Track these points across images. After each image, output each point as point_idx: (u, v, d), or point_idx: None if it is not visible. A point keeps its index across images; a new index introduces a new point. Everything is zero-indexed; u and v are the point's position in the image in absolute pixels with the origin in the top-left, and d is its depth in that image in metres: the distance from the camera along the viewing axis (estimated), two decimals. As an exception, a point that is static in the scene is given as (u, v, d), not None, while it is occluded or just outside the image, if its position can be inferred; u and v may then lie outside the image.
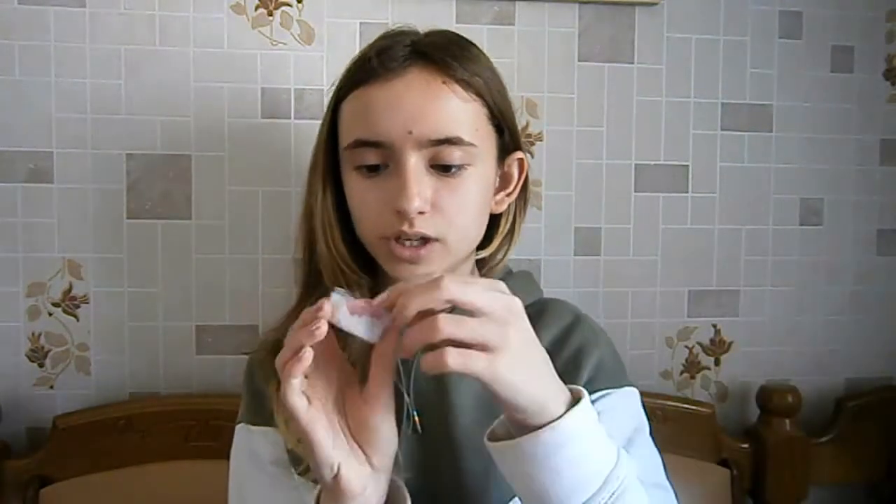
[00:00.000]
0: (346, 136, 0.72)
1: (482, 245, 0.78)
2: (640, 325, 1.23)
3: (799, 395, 1.18)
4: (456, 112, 0.70)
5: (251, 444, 0.78)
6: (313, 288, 0.78)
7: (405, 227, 0.69)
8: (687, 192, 1.23)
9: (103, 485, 1.05)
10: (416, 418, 0.63)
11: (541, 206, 1.19)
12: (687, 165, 1.23)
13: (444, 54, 0.71)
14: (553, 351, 0.74)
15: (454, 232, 0.71)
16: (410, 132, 0.68)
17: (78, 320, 1.11)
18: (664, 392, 1.22)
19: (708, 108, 1.23)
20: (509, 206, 0.80)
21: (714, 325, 1.25)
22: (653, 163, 1.22)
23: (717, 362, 1.26)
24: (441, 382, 0.74)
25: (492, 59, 0.77)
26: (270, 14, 1.12)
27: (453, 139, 0.69)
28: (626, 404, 0.76)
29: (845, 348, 1.29)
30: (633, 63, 1.20)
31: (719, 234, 1.24)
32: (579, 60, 1.19)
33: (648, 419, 0.77)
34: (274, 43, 1.13)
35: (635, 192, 1.21)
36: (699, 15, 1.21)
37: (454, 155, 0.70)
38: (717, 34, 1.22)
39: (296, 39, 1.13)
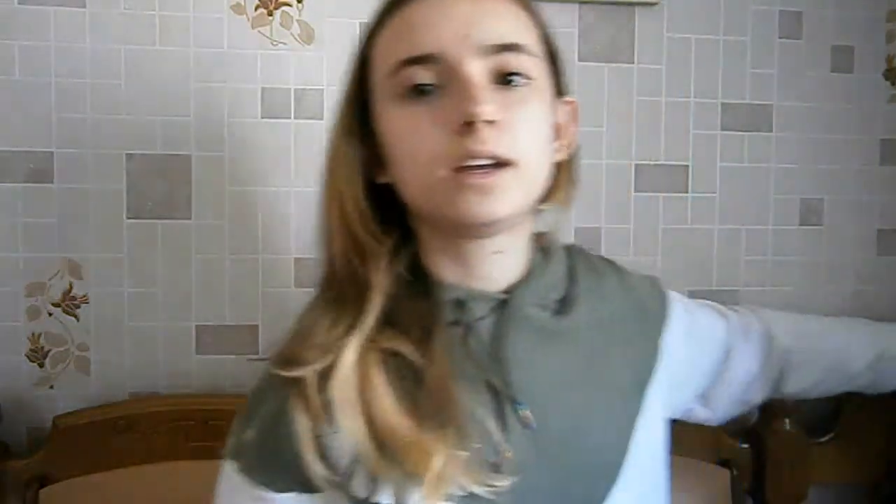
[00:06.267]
0: (384, 64, 0.62)
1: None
2: (640, 325, 1.23)
3: (799, 395, 1.18)
4: (515, 17, 0.62)
5: None
6: (334, 286, 0.66)
7: (474, 145, 0.58)
8: (687, 192, 1.23)
9: (103, 485, 1.05)
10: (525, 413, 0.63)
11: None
12: (687, 165, 1.22)
13: None
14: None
15: (525, 153, 0.60)
16: (468, 35, 0.59)
17: (78, 320, 1.11)
18: (664, 392, 1.22)
19: (708, 108, 1.22)
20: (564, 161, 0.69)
21: (714, 325, 1.25)
22: (653, 163, 1.22)
23: (717, 362, 1.26)
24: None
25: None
26: (270, 14, 1.12)
27: (516, 45, 0.61)
28: None
29: (845, 348, 1.29)
30: (633, 63, 1.20)
31: (719, 234, 1.23)
32: (579, 60, 1.19)
33: None
34: (274, 43, 1.13)
35: (635, 192, 1.21)
36: (699, 15, 1.21)
37: (519, 62, 0.61)
38: (717, 34, 1.22)
39: (296, 39, 1.13)
